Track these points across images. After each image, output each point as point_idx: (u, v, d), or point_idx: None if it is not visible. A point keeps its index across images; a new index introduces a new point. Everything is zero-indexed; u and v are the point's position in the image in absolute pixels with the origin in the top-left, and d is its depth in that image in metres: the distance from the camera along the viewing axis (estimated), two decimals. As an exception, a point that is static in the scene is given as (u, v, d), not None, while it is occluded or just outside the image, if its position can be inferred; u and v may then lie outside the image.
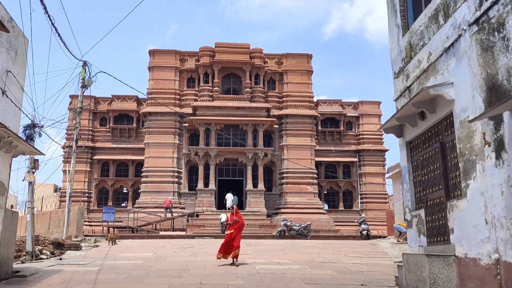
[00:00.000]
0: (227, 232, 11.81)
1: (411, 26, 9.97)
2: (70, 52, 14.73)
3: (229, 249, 11.61)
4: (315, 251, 15.41)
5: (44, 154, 12.53)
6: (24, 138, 14.97)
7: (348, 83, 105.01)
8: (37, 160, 15.40)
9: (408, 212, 10.14)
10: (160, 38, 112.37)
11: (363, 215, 28.97)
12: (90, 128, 37.76)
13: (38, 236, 14.79)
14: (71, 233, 21.40)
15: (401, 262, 13.12)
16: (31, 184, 14.66)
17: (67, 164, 37.41)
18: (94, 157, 37.24)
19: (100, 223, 30.12)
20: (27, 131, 15.17)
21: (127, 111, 37.92)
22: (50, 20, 12.55)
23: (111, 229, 27.56)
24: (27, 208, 14.52)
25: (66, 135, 37.96)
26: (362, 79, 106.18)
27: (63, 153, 37.69)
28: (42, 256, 13.83)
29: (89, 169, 36.96)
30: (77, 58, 16.99)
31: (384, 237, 24.83)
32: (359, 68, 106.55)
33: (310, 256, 13.74)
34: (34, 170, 14.81)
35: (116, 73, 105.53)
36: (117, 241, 18.30)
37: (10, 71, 9.27)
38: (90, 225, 33.77)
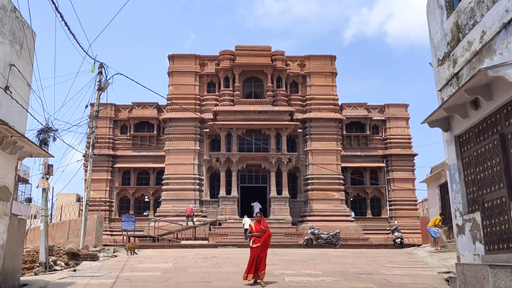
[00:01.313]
0: (253, 245, 9.72)
1: (457, 5, 8.81)
2: (86, 52, 14.00)
3: (257, 267, 9.57)
4: (348, 261, 14.19)
5: (53, 156, 11.74)
6: (38, 143, 14.29)
7: (369, 88, 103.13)
8: (51, 165, 14.65)
9: (459, 216, 8.90)
10: (178, 47, 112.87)
11: (396, 222, 27.50)
12: (111, 136, 37.31)
13: (53, 246, 13.99)
14: (90, 242, 20.67)
15: (447, 272, 11.84)
16: (44, 191, 13.91)
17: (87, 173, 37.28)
18: (115, 165, 36.74)
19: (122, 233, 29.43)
20: (41, 135, 14.47)
21: (147, 119, 37.39)
22: (61, 17, 11.81)
23: (129, 238, 26.78)
24: (41, 216, 13.76)
25: (86, 143, 37.64)
26: (383, 84, 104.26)
27: (84, 162, 37.46)
28: (56, 267, 13.01)
29: (110, 177, 36.44)
30: (93, 59, 16.28)
31: (419, 245, 23.33)
32: (380, 73, 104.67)
33: (343, 267, 12.54)
34: (48, 176, 14.06)
35: (134, 86, 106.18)
36: (136, 250, 17.41)
37: (14, 65, 8.48)
38: (111, 235, 33.19)
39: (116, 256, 16.53)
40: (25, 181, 42.78)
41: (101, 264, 13.38)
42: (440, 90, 9.36)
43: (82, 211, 35.58)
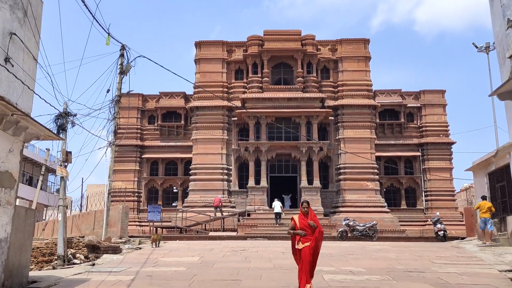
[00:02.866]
0: (298, 246, 7.19)
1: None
2: (109, 34, 13.02)
3: (311, 274, 7.24)
4: (391, 255, 12.83)
5: (63, 139, 10.80)
6: (55, 129, 13.44)
7: (400, 77, 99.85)
8: (70, 152, 13.79)
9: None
10: (204, 38, 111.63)
11: (438, 213, 25.79)
12: (139, 126, 36.72)
13: (72, 238, 13.17)
14: (115, 233, 19.93)
15: (510, 271, 10.36)
16: (63, 179, 13.06)
17: (116, 163, 36.83)
18: (143, 156, 36.18)
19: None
20: (59, 120, 13.62)
21: (175, 108, 36.59)
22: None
23: (157, 229, 26.09)
24: (59, 206, 12.94)
25: (113, 131, 37.17)
26: (415, 73, 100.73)
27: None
28: (75, 261, 12.16)
29: (138, 168, 35.92)
30: (116, 40, 15.30)
31: (462, 238, 21.68)
32: (411, 62, 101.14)
33: (388, 263, 11.21)
34: (66, 164, 13.21)
35: (161, 76, 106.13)
36: (162, 242, 16.51)
37: (15, 34, 7.47)
38: (140, 225, 32.72)
39: (140, 248, 15.67)
40: (54, 172, 42.85)
41: (122, 258, 12.46)
42: (511, 57, 7.87)
43: (113, 201, 35.48)
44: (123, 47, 16.50)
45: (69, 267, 11.16)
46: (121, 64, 16.53)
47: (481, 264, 11.23)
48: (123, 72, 16.37)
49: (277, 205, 26.44)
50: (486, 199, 16.75)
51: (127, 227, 20.75)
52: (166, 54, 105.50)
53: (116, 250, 13.87)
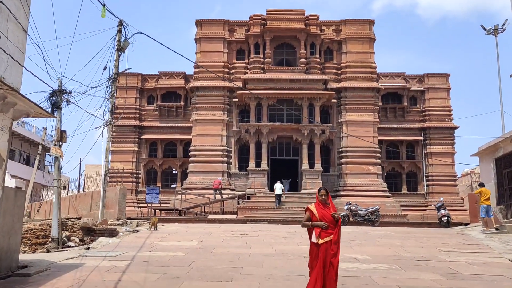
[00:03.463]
0: (318, 240, 5.81)
1: None
2: (104, 5, 12.36)
3: (329, 281, 5.77)
4: (396, 242, 12.44)
5: (55, 117, 10.30)
6: (50, 107, 12.93)
7: (402, 61, 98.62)
8: (65, 131, 13.30)
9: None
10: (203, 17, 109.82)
11: (441, 199, 25.40)
12: (138, 106, 36.13)
13: (67, 220, 12.77)
14: (113, 215, 19.57)
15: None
16: (57, 159, 12.59)
17: (115, 144, 36.36)
18: (141, 137, 35.69)
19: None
20: (53, 98, 13.09)
21: (174, 89, 35.92)
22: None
23: (155, 211, 25.73)
24: (52, 187, 12.50)
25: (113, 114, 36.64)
26: (417, 57, 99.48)
27: (110, 132, 36.56)
28: (70, 244, 11.77)
29: (137, 148, 35.43)
30: (114, 14, 14.65)
31: (466, 224, 21.34)
32: (413, 45, 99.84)
33: (393, 250, 10.82)
34: (61, 143, 12.73)
35: (161, 56, 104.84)
36: (158, 225, 16.14)
37: (1, 2, 6.89)
38: (138, 207, 32.40)
39: (137, 231, 15.29)
40: (53, 152, 42.38)
41: (119, 241, 12.06)
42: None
43: (109, 182, 35.14)
44: (120, 23, 15.85)
45: (64, 250, 10.77)
46: (119, 40, 15.90)
47: (490, 252, 10.85)
48: (120, 49, 15.75)
49: (278, 187, 26.15)
50: (484, 186, 16.28)
51: (125, 209, 20.37)
52: (166, 33, 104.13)
53: (112, 233, 13.49)
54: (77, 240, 11.98)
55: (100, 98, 15.63)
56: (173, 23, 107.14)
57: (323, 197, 5.99)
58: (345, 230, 16.72)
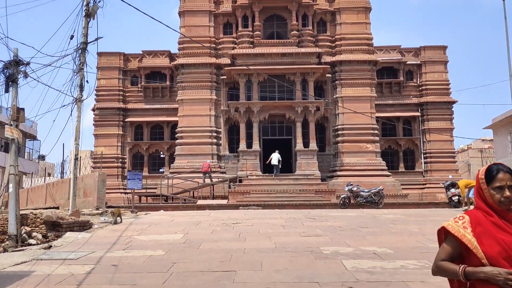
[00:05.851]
0: None
1: None
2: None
3: None
4: (413, 228, 10.76)
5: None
6: (3, 80, 10.97)
7: (387, 38, 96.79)
8: (22, 109, 11.36)
9: None
10: None
11: (450, 176, 23.85)
12: (121, 88, 34.12)
13: (29, 213, 10.86)
14: (91, 203, 17.76)
15: None
16: (13, 141, 10.65)
17: (98, 128, 34.29)
18: (126, 120, 33.75)
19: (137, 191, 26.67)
20: (7, 70, 11.12)
21: (159, 68, 33.93)
22: None
23: (140, 198, 23.92)
24: (9, 175, 10.58)
25: (95, 97, 34.55)
26: (400, 35, 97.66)
27: (94, 115, 34.46)
28: (31, 241, 9.93)
29: (121, 132, 33.54)
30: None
31: (472, 203, 19.78)
32: (395, 23, 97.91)
33: (415, 239, 9.12)
34: (17, 123, 10.78)
35: (144, 34, 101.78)
36: (139, 214, 14.32)
37: None
38: (125, 193, 30.61)
39: (116, 222, 13.44)
40: (33, 137, 40.21)
41: (89, 236, 10.22)
42: None
43: (95, 168, 33.25)
44: (88, -16, 13.73)
45: (20, 250, 8.91)
46: (87, 5, 13.80)
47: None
48: (89, 14, 13.66)
49: (275, 156, 25.35)
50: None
51: (105, 197, 18.49)
52: (148, 9, 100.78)
53: (84, 226, 11.63)
54: (39, 236, 10.13)
55: (70, 71, 13.63)
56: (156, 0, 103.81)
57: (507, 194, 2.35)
58: (348, 214, 15.07)
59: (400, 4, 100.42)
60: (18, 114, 10.75)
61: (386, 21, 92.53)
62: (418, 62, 34.66)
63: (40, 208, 20.55)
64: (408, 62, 34.42)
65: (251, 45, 29.29)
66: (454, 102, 34.20)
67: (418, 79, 34.66)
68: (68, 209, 15.60)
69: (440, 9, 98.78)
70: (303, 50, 28.59)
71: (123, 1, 13.14)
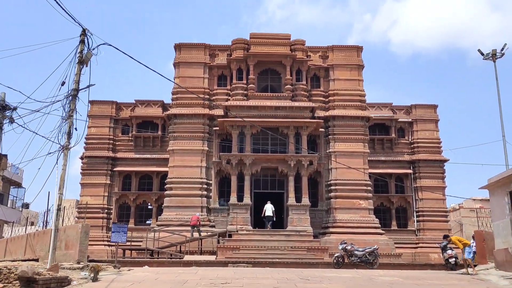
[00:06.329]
0: None
1: None
2: (68, 13, 10.17)
3: None
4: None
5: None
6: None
7: (378, 95, 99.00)
8: (5, 156, 10.81)
9: None
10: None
11: (447, 236, 23.06)
12: (111, 137, 33.74)
13: (2, 268, 10.04)
14: (73, 257, 16.85)
15: None
16: (-9, 190, 10.01)
17: (85, 177, 33.47)
18: (114, 169, 33.10)
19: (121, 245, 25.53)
20: (-9, 115, 10.69)
21: (151, 118, 33.78)
22: None
23: (124, 252, 22.86)
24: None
25: (84, 145, 34.06)
26: (390, 92, 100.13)
27: (82, 164, 33.75)
28: (1, 300, 9.11)
29: (109, 181, 32.81)
30: (76, 20, 12.44)
31: (475, 265, 19.07)
32: (384, 81, 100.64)
33: (419, 308, 8.44)
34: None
35: (137, 83, 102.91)
36: (123, 271, 13.43)
37: None
38: (109, 245, 29.47)
39: (97, 279, 12.56)
40: (18, 185, 39.19)
41: (65, 296, 9.40)
42: None
43: (80, 218, 32.15)
44: (84, 32, 13.62)
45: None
46: (81, 52, 13.62)
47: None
48: (82, 61, 13.45)
49: (268, 207, 24.96)
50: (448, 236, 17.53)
51: (87, 250, 17.56)
52: (142, 59, 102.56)
53: (62, 283, 10.79)
54: (10, 295, 9.30)
55: (58, 119, 13.23)
56: (151, 55, 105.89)
57: None
58: (343, 275, 14.30)
59: (389, 62, 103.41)
60: (0, 160, 10.20)
61: (377, 78, 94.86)
62: (410, 120, 35.03)
63: (19, 260, 19.48)
64: (399, 120, 34.71)
65: (245, 98, 29.33)
66: (445, 161, 34.19)
67: (410, 137, 34.84)
68: (38, 265, 14.72)
69: (429, 68, 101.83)
70: (296, 104, 28.65)
71: (119, 50, 12.99)
